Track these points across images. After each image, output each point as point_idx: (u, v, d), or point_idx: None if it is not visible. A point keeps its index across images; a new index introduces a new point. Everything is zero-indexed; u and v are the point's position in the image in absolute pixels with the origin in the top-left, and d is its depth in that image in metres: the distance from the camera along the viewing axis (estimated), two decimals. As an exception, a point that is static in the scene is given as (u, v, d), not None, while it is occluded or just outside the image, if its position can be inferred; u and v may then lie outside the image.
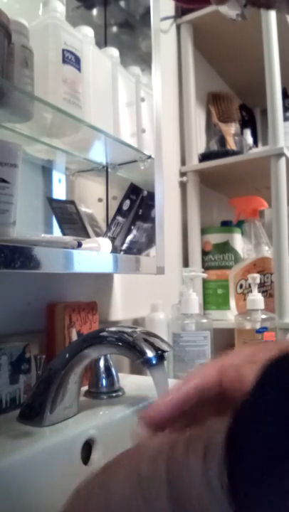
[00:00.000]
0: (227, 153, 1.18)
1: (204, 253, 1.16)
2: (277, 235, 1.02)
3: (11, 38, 0.53)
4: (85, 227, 0.74)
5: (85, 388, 0.61)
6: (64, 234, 0.74)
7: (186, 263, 1.15)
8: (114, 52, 0.77)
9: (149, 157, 0.78)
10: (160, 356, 0.48)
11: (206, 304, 1.12)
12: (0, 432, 0.47)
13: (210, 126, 1.37)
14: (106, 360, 0.62)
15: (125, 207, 0.76)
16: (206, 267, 1.14)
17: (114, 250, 0.68)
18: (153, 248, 0.79)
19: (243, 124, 1.43)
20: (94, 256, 0.60)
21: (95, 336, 0.52)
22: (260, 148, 1.43)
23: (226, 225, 1.23)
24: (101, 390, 0.61)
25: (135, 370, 0.83)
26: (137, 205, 0.77)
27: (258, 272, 1.00)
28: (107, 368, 0.62)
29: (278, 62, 1.09)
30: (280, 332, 0.89)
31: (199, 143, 1.27)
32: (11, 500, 0.39)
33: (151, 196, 0.78)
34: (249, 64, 1.32)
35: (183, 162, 1.20)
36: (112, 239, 0.72)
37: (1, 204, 0.49)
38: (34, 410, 0.50)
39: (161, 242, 0.79)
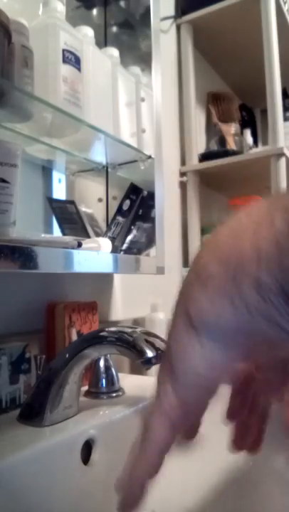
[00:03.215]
0: (227, 153, 1.18)
1: (204, 253, 1.16)
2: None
3: (11, 38, 0.53)
4: (85, 227, 0.74)
5: (85, 388, 0.61)
6: (64, 234, 0.74)
7: (186, 263, 1.15)
8: (114, 52, 0.77)
9: (149, 157, 0.78)
10: (160, 356, 0.48)
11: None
12: (0, 432, 0.47)
13: (210, 126, 1.37)
14: (106, 360, 0.62)
15: (125, 207, 0.76)
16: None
17: (114, 250, 0.68)
18: (153, 248, 0.79)
19: (243, 124, 1.43)
20: (94, 256, 0.60)
21: (95, 336, 0.52)
22: (260, 148, 1.43)
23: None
24: (101, 390, 0.61)
25: (135, 370, 0.83)
26: (137, 205, 0.77)
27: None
28: (107, 368, 0.62)
29: (278, 62, 1.09)
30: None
31: (199, 143, 1.27)
32: (12, 500, 0.39)
33: (151, 196, 0.78)
34: (249, 64, 1.32)
35: (183, 162, 1.20)
36: (112, 239, 0.72)
37: (1, 204, 0.49)
38: (34, 410, 0.50)
39: (161, 242, 0.79)
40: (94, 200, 0.86)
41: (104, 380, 0.61)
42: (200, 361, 0.22)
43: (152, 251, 0.79)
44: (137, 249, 0.77)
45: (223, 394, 0.29)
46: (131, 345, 0.48)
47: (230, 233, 0.20)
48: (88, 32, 0.70)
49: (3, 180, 0.49)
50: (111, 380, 0.61)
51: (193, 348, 0.22)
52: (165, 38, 1.16)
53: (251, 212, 0.20)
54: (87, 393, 0.61)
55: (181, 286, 0.23)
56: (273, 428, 0.58)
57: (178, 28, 1.22)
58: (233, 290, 0.19)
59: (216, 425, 0.61)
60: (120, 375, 0.64)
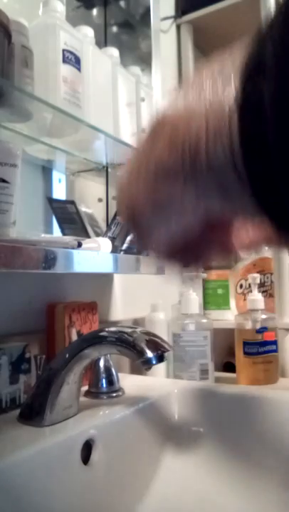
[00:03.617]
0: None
1: (204, 253, 1.16)
2: (277, 235, 1.02)
3: (11, 38, 0.53)
4: (85, 227, 0.74)
5: (85, 388, 0.61)
6: (64, 234, 0.74)
7: (186, 263, 1.15)
8: (114, 52, 0.77)
9: (149, 157, 0.78)
10: (160, 356, 0.48)
11: (206, 304, 1.12)
12: (0, 432, 0.47)
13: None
14: (106, 360, 0.62)
15: (125, 207, 0.76)
16: (206, 267, 1.14)
17: (114, 250, 0.68)
18: (153, 248, 0.79)
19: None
20: (94, 256, 0.60)
21: (95, 336, 0.52)
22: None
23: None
24: (101, 390, 0.61)
25: (135, 370, 0.83)
26: (137, 205, 0.77)
27: (258, 272, 1.00)
28: (107, 368, 0.62)
29: (278, 62, 1.09)
30: (280, 332, 0.89)
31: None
32: (11, 500, 0.39)
33: (151, 196, 0.78)
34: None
35: (183, 162, 1.20)
36: (112, 239, 0.72)
37: (1, 204, 0.49)
38: (34, 410, 0.50)
39: (161, 242, 0.79)
40: (94, 200, 0.86)
41: (104, 380, 0.61)
42: (163, 238, 0.25)
43: (152, 251, 0.79)
44: (137, 249, 0.77)
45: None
46: (131, 345, 0.48)
47: (184, 110, 0.20)
48: (88, 32, 0.70)
49: (3, 180, 0.49)
50: (111, 380, 0.61)
51: (154, 231, 0.24)
52: (165, 38, 1.16)
53: (201, 81, 0.20)
54: (87, 393, 0.61)
55: (140, 176, 0.23)
56: (273, 431, 0.58)
57: (178, 28, 1.22)
58: (190, 174, 0.20)
59: (215, 425, 0.61)
60: (120, 375, 0.64)
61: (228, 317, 1.06)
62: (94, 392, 0.61)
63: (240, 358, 0.83)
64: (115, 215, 0.76)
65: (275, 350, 0.83)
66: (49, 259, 0.51)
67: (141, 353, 0.48)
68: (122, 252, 0.74)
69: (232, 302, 1.06)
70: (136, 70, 0.82)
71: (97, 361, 0.61)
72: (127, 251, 0.75)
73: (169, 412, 0.62)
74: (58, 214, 0.74)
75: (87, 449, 0.50)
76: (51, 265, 0.51)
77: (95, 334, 0.53)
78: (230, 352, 1.00)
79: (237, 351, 0.84)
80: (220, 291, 1.10)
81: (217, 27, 1.21)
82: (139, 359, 0.48)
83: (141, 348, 0.48)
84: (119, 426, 0.54)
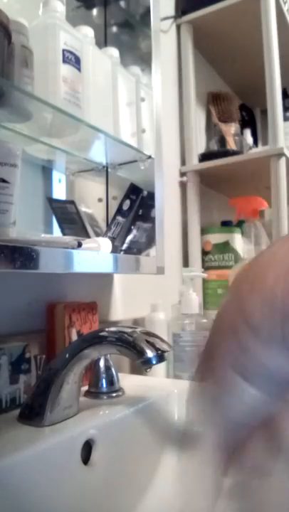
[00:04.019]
0: (227, 153, 1.18)
1: (204, 253, 1.16)
2: (277, 235, 1.02)
3: (11, 38, 0.53)
4: (85, 227, 0.74)
5: (85, 388, 0.61)
6: (64, 234, 0.74)
7: (186, 263, 1.15)
8: (114, 52, 0.77)
9: (149, 157, 0.78)
10: (160, 356, 0.48)
11: (206, 304, 1.12)
12: (0, 432, 0.47)
13: (210, 126, 1.37)
14: (106, 360, 0.62)
15: (125, 207, 0.76)
16: (206, 267, 1.14)
17: (114, 250, 0.68)
18: (153, 248, 0.79)
19: (243, 124, 1.43)
20: (94, 256, 0.60)
21: (95, 336, 0.52)
22: (260, 148, 1.43)
23: (226, 225, 1.23)
24: (101, 390, 0.61)
25: (135, 370, 0.83)
26: (137, 205, 0.77)
27: (258, 272, 1.00)
28: (107, 368, 0.62)
29: (278, 62, 1.09)
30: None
31: (199, 143, 1.27)
32: (11, 500, 0.39)
33: (151, 196, 0.78)
34: (249, 64, 1.32)
35: (183, 162, 1.20)
36: (112, 239, 0.72)
37: (1, 204, 0.49)
38: (34, 410, 0.50)
39: (161, 242, 0.79)
40: (94, 200, 0.86)
41: (104, 380, 0.61)
42: (241, 407, 0.23)
43: (152, 251, 0.79)
44: (137, 249, 0.77)
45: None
46: (131, 345, 0.48)
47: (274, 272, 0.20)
48: (88, 32, 0.70)
49: (3, 180, 0.49)
50: (111, 380, 0.61)
51: (236, 394, 0.22)
52: (165, 38, 1.16)
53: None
54: (87, 393, 0.61)
55: (226, 327, 0.22)
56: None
57: (178, 28, 1.22)
58: (281, 338, 0.19)
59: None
60: (120, 375, 0.64)
61: (228, 317, 1.05)
62: (94, 392, 0.61)
63: (240, 358, 0.83)
64: (115, 215, 0.76)
65: (275, 350, 0.82)
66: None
67: (141, 353, 0.48)
68: (122, 252, 0.74)
69: (232, 302, 1.06)
70: (136, 70, 0.82)
71: (97, 361, 0.61)
72: (127, 251, 0.75)
73: (169, 412, 0.62)
74: (58, 214, 0.74)
75: (87, 449, 0.50)
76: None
77: (95, 334, 0.53)
78: (230, 352, 0.99)
79: (237, 351, 0.84)
80: (220, 291, 1.10)
81: (217, 27, 1.21)
82: (139, 359, 0.48)
83: (141, 348, 0.48)
84: (119, 426, 0.54)
